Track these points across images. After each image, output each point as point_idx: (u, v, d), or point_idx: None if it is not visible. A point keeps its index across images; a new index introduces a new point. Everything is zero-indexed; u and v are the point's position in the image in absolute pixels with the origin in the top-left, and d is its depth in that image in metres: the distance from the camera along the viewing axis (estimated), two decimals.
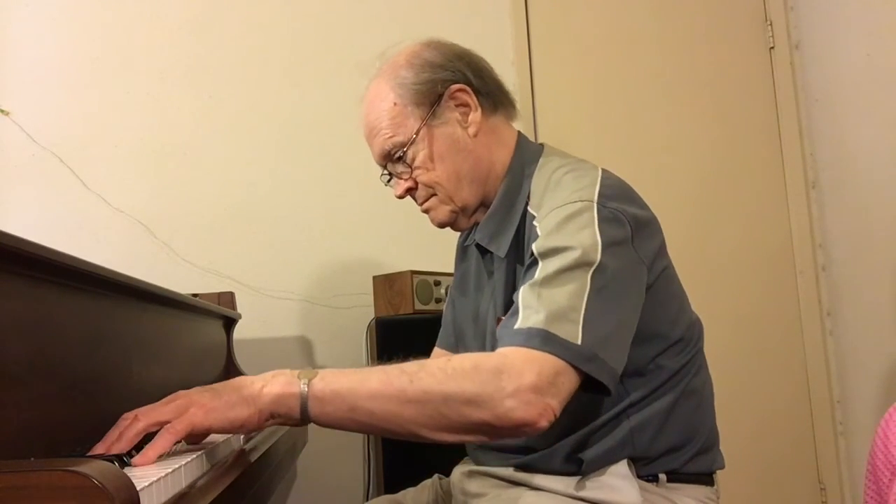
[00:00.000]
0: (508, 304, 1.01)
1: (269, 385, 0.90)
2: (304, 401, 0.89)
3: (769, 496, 2.44)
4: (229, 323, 1.78)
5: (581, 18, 2.51)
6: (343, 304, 2.21)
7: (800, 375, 2.53)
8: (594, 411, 1.08)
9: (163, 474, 0.71)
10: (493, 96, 1.20)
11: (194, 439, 0.93)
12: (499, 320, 1.09)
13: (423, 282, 1.96)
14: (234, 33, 2.24)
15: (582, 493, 1.05)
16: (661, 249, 1.11)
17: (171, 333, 1.32)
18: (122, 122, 2.14)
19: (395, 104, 1.15)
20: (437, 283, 1.98)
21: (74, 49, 2.14)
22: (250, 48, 2.24)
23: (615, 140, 2.45)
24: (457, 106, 1.16)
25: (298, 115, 2.25)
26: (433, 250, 2.07)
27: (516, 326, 0.93)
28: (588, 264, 0.96)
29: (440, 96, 1.15)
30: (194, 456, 0.84)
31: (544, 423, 0.88)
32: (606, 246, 0.97)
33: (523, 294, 0.97)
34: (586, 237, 0.98)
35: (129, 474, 0.62)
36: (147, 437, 0.84)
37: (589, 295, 0.94)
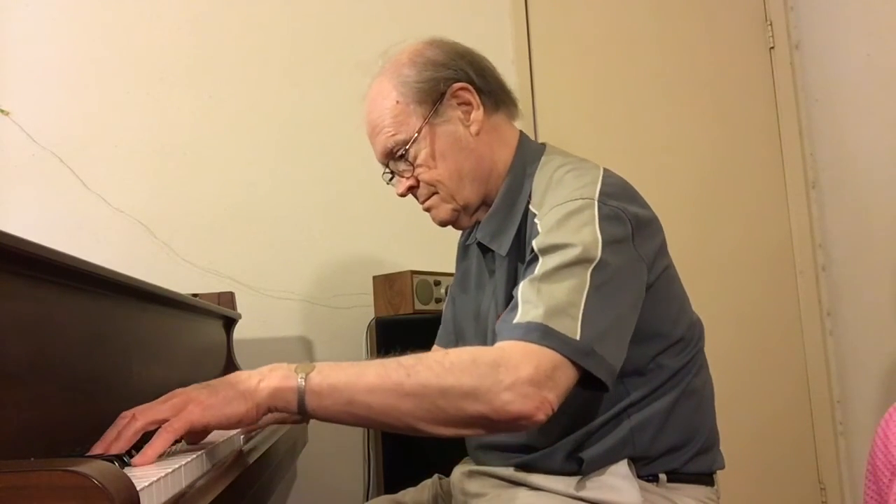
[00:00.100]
0: (510, 303, 1.01)
1: (266, 379, 0.90)
2: (301, 395, 0.89)
3: (769, 496, 2.44)
4: (229, 323, 1.78)
5: (581, 18, 2.51)
6: (343, 304, 2.21)
7: (800, 375, 2.53)
8: (595, 410, 1.08)
9: (163, 474, 0.71)
10: (495, 95, 1.20)
11: (194, 438, 0.93)
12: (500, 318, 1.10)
13: (423, 282, 1.96)
14: (234, 33, 2.24)
15: (582, 493, 1.05)
16: (662, 249, 1.11)
17: (171, 333, 1.32)
18: (122, 122, 2.14)
19: (397, 102, 1.15)
20: (437, 283, 1.98)
21: (74, 49, 2.14)
22: (250, 48, 2.24)
23: (615, 140, 2.45)
24: (459, 104, 1.16)
25: (298, 115, 2.25)
26: (433, 250, 2.07)
27: (515, 321, 0.93)
28: (588, 261, 0.96)
29: (442, 95, 1.15)
30: (194, 456, 0.84)
31: (542, 417, 0.89)
32: (607, 243, 0.98)
33: (523, 289, 0.97)
34: (587, 234, 0.98)
35: (128, 474, 0.62)
36: (146, 436, 0.84)
37: (588, 291, 0.94)
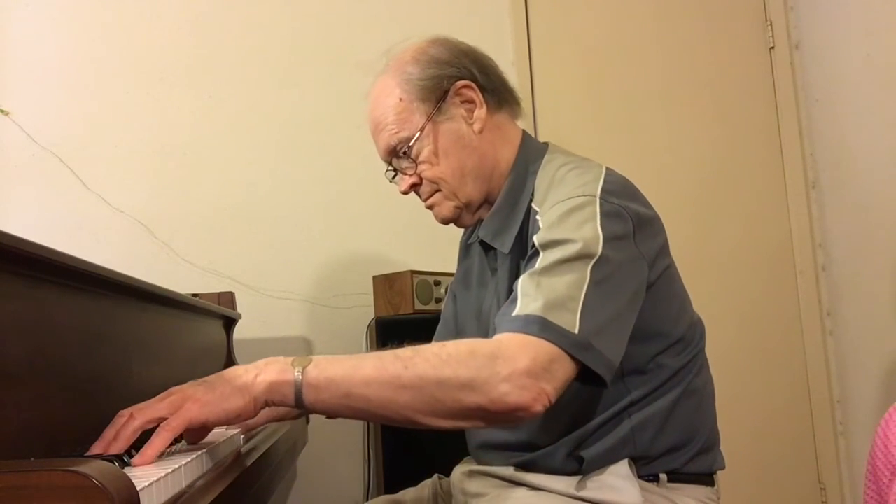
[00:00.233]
0: None
1: (263, 373, 0.90)
2: (298, 388, 0.89)
3: (769, 496, 2.44)
4: (229, 323, 1.78)
5: (581, 18, 2.51)
6: (343, 304, 2.21)
7: (800, 375, 2.53)
8: (595, 409, 1.08)
9: (163, 474, 0.71)
10: (498, 93, 1.20)
11: (194, 436, 0.93)
12: None
13: (423, 282, 1.96)
14: (234, 33, 2.24)
15: (582, 493, 1.05)
16: (664, 248, 1.11)
17: (171, 333, 1.32)
18: (122, 122, 2.14)
19: (400, 100, 1.16)
20: (437, 283, 1.98)
21: (74, 49, 2.14)
22: (250, 48, 2.24)
23: (615, 140, 2.45)
24: (462, 102, 1.16)
25: (298, 115, 2.25)
26: (433, 250, 2.08)
27: (514, 313, 0.94)
28: (589, 257, 0.96)
29: (446, 92, 1.15)
30: (194, 456, 0.84)
31: (539, 408, 0.89)
32: (608, 240, 0.98)
33: (522, 283, 0.97)
34: (588, 231, 0.98)
35: (128, 474, 0.62)
36: (145, 435, 0.84)
37: (588, 286, 0.94)
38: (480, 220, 1.21)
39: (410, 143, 1.15)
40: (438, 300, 1.96)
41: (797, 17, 2.61)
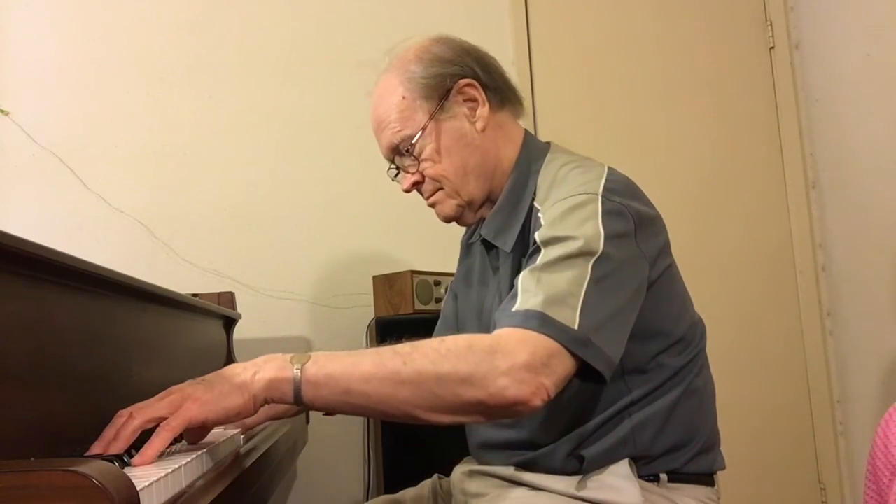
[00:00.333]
0: None
1: (262, 371, 0.90)
2: (297, 385, 0.89)
3: (769, 496, 2.44)
4: (229, 323, 1.78)
5: (581, 18, 2.52)
6: (343, 304, 2.21)
7: (800, 375, 2.53)
8: (596, 407, 1.08)
9: (163, 474, 0.71)
10: (501, 92, 1.20)
11: (193, 436, 0.93)
12: None
13: (423, 282, 1.96)
14: (234, 33, 2.24)
15: (583, 493, 1.05)
16: (665, 248, 1.11)
17: (171, 333, 1.32)
18: (122, 122, 2.14)
19: (403, 98, 1.16)
20: (437, 283, 1.98)
21: (74, 49, 2.14)
22: (250, 48, 2.24)
23: (615, 140, 2.45)
24: (465, 101, 1.17)
25: (298, 115, 2.25)
26: (433, 250, 2.08)
27: (514, 309, 0.94)
28: (590, 254, 0.96)
29: (448, 91, 1.15)
30: (194, 456, 0.84)
31: (538, 402, 0.89)
32: (609, 238, 0.98)
33: (523, 278, 0.98)
34: (589, 228, 0.99)
35: (128, 474, 0.62)
36: (145, 435, 0.84)
37: (588, 283, 0.95)
38: (482, 219, 1.21)
39: (413, 141, 1.15)
40: (438, 300, 1.96)
41: (797, 17, 2.61)
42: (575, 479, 1.07)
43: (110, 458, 0.74)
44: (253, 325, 2.05)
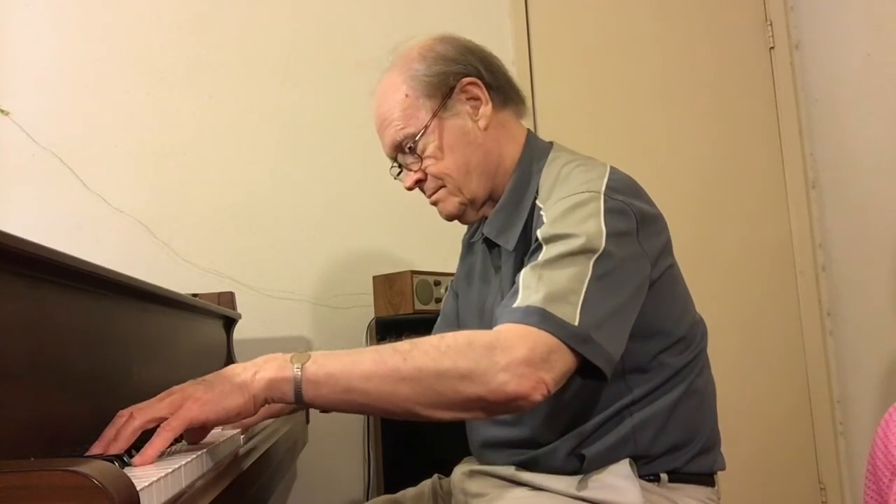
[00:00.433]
0: None
1: (262, 371, 0.90)
2: (297, 384, 0.89)
3: (769, 496, 2.44)
4: (229, 323, 1.78)
5: (581, 18, 2.52)
6: (343, 304, 2.21)
7: (800, 375, 2.53)
8: (597, 406, 1.08)
9: (163, 474, 0.71)
10: (504, 91, 1.21)
11: (194, 436, 0.93)
12: None
13: (423, 282, 1.96)
14: (234, 33, 2.24)
15: (583, 493, 1.05)
16: (667, 247, 1.11)
17: (171, 333, 1.32)
18: (122, 122, 2.14)
19: (406, 96, 1.16)
20: (437, 283, 1.98)
21: (74, 49, 2.14)
22: (250, 48, 2.24)
23: (615, 140, 2.45)
24: (468, 99, 1.17)
25: (298, 115, 2.25)
26: (433, 250, 2.08)
27: (514, 305, 0.94)
28: (591, 251, 0.97)
29: (452, 89, 1.16)
30: (194, 456, 0.84)
31: (538, 397, 0.89)
32: (611, 236, 0.98)
33: (524, 275, 0.98)
34: (591, 226, 0.99)
35: (128, 474, 0.62)
36: (145, 435, 0.84)
37: (590, 280, 0.95)
38: (484, 218, 1.21)
39: (416, 139, 1.16)
40: (438, 300, 1.96)
41: (797, 17, 2.60)
42: (575, 479, 1.07)
43: (110, 458, 0.74)
44: (253, 325, 2.05)
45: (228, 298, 1.88)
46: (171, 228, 2.12)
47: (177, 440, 0.89)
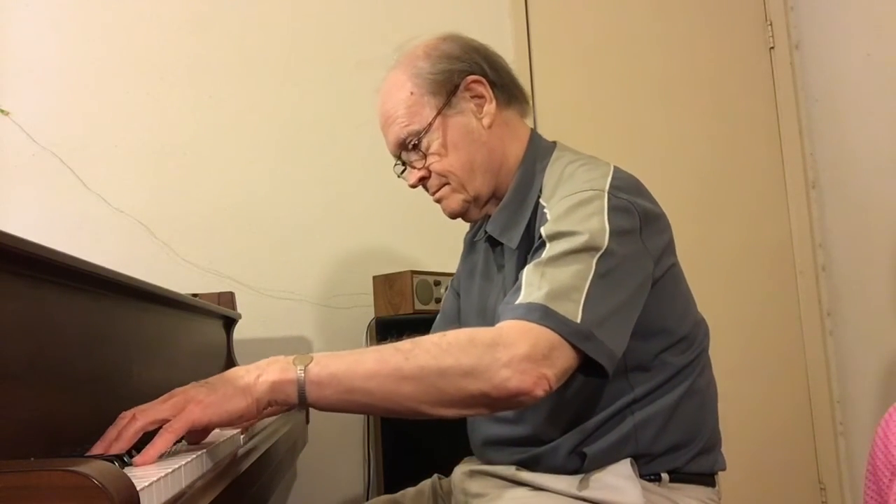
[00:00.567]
0: None
1: (265, 373, 0.90)
2: (301, 386, 0.89)
3: (769, 496, 2.44)
4: (229, 323, 1.78)
5: (581, 18, 2.51)
6: (343, 304, 2.21)
7: (800, 375, 2.53)
8: (598, 404, 1.08)
9: (163, 474, 0.71)
10: (508, 90, 1.21)
11: (195, 438, 0.93)
12: None
13: (423, 282, 1.96)
14: (234, 33, 2.24)
15: (584, 493, 1.05)
16: (669, 246, 1.12)
17: (171, 333, 1.32)
18: (122, 122, 2.14)
19: (411, 93, 1.16)
20: (437, 283, 1.98)
21: (74, 49, 2.14)
22: (250, 48, 2.24)
23: (615, 140, 2.45)
24: (472, 97, 1.17)
25: (298, 115, 2.25)
26: (433, 250, 2.08)
27: (517, 302, 0.94)
28: (594, 249, 0.97)
29: (456, 87, 1.16)
30: (194, 456, 0.84)
31: (540, 392, 0.89)
32: (614, 234, 0.99)
33: (527, 272, 0.98)
34: (595, 223, 0.99)
35: (129, 474, 0.62)
36: (146, 436, 0.84)
37: (592, 278, 0.95)
38: (487, 216, 1.22)
39: (420, 136, 1.16)
40: (438, 300, 1.96)
41: (797, 17, 2.60)
42: (576, 479, 1.07)
43: (110, 458, 0.74)
44: (253, 325, 2.05)
45: (228, 298, 1.88)
46: (171, 228, 2.12)
47: (177, 441, 0.89)
